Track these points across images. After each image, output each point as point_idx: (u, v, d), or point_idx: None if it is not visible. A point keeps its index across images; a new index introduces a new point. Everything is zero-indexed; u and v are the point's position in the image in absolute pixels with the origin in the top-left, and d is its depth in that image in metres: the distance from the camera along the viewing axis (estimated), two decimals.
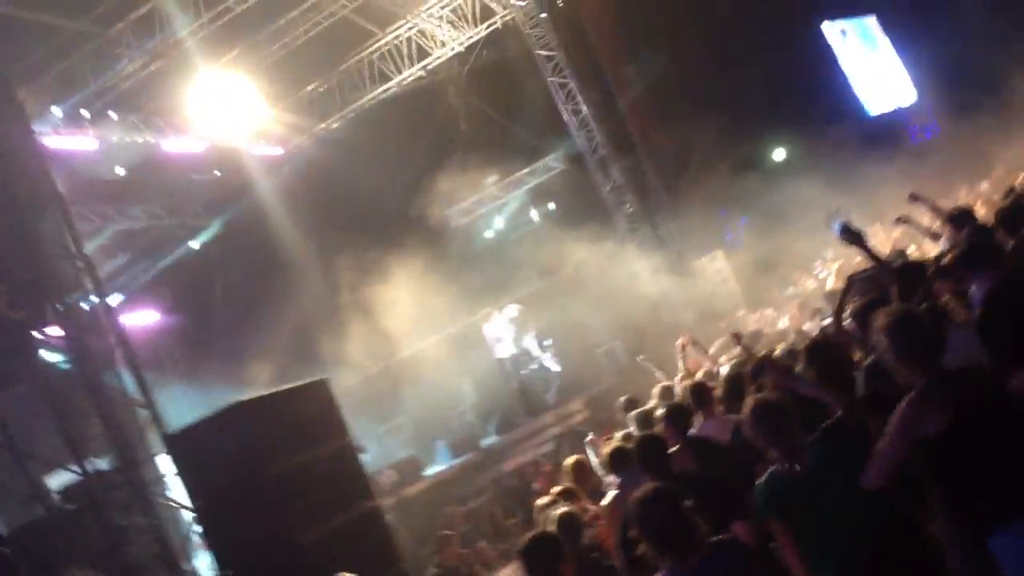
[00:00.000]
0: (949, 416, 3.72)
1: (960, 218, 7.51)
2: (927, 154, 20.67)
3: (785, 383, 4.81)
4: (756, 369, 6.44)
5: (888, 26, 28.77)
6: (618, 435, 7.59)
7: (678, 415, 6.62)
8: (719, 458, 6.08)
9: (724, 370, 7.70)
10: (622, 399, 8.86)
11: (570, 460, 7.73)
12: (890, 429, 3.86)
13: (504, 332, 17.02)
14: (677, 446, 6.19)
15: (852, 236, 5.84)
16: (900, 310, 4.17)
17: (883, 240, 16.81)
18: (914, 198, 8.65)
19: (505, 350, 17.01)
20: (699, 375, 8.45)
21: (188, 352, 20.08)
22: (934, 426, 3.76)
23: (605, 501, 6.43)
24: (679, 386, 8.29)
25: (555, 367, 18.08)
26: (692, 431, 6.76)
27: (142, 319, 19.42)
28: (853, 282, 6.54)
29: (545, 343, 18.16)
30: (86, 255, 9.78)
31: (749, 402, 4.65)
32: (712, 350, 10.34)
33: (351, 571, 6.00)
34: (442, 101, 21.45)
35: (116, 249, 18.27)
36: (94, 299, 9.63)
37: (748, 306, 18.70)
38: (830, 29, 27.57)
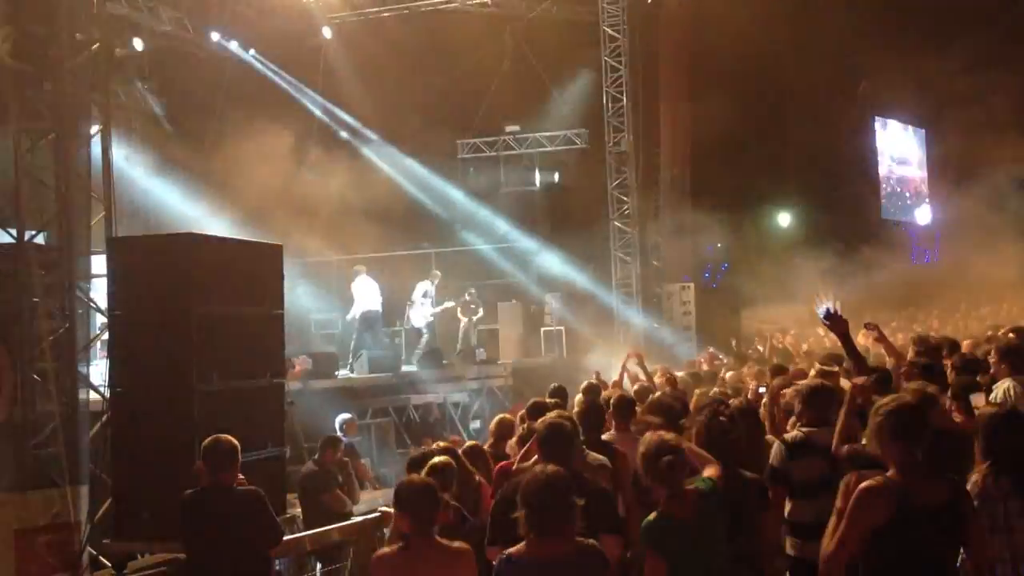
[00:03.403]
0: (892, 511, 3.82)
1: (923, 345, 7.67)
2: (919, 276, 20.90)
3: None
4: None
5: (932, 144, 28.96)
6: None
7: (598, 415, 6.72)
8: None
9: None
10: (553, 385, 8.93)
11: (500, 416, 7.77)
12: (854, 501, 3.93)
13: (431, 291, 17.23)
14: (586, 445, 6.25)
15: (837, 323, 5.78)
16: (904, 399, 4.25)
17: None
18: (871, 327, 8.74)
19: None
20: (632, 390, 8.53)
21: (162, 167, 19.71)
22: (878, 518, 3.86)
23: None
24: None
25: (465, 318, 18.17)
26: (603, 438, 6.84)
27: (131, 118, 19.08)
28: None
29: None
30: (105, 30, 9.55)
31: (647, 439, 4.67)
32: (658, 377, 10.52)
33: (232, 434, 6.00)
34: (496, 36, 21.17)
35: (132, 40, 17.86)
36: (94, 79, 9.42)
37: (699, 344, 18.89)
38: (881, 126, 27.66)
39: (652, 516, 4.53)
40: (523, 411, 7.28)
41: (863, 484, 3.92)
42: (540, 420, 5.92)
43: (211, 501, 5.82)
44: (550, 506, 4.06)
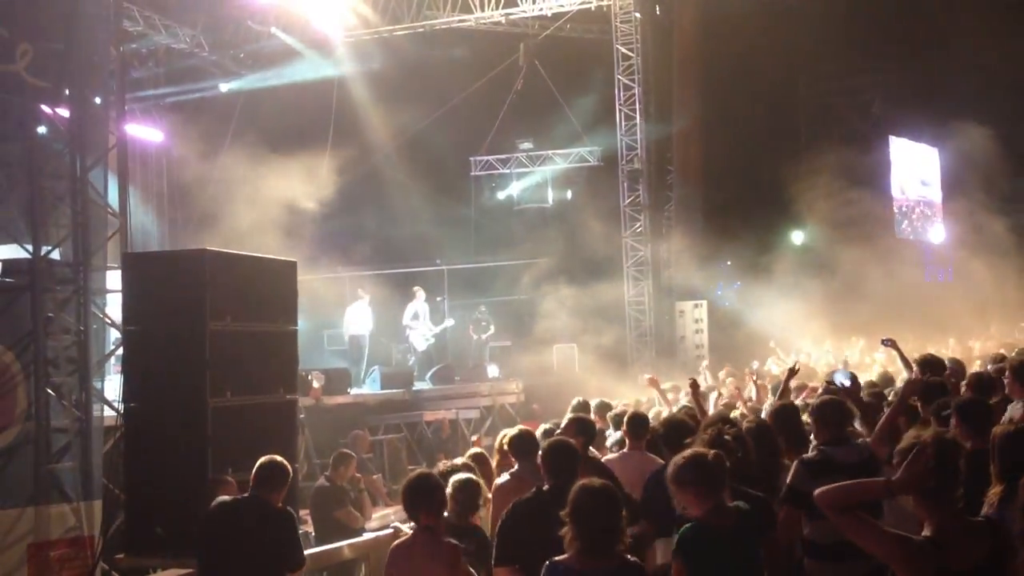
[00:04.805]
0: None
1: (928, 364, 7.63)
2: (932, 294, 20.79)
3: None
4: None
5: (946, 163, 28.86)
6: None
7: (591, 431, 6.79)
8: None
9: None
10: (576, 399, 8.92)
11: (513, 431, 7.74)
12: (889, 532, 3.64)
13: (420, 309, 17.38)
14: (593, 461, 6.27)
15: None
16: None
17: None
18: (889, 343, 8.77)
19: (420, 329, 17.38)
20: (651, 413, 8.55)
21: (175, 184, 19.87)
22: None
23: (499, 481, 6.44)
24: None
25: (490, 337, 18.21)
26: (613, 456, 6.85)
27: (146, 134, 19.27)
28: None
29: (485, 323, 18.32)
30: (121, 50, 9.64)
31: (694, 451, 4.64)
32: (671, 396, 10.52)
33: (244, 450, 6.10)
34: (509, 55, 21.28)
35: (148, 59, 18.04)
36: (110, 96, 9.50)
37: (710, 362, 18.81)
38: (896, 145, 27.59)
39: (688, 526, 4.51)
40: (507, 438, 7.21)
41: (907, 537, 3.63)
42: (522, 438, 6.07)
43: (245, 511, 5.91)
44: (603, 524, 4.11)
